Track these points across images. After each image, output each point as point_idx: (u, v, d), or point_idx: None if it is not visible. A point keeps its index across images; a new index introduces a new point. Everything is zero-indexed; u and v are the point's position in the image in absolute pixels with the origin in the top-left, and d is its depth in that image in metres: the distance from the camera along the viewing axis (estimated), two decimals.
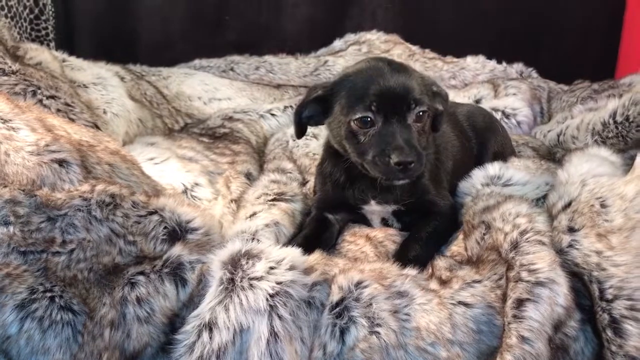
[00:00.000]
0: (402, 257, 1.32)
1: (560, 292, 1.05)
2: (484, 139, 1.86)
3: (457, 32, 3.39)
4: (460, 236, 1.42)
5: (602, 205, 1.18)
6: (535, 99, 2.87)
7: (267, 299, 1.01)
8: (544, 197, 1.44)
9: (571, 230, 1.18)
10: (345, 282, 1.10)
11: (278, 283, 1.03)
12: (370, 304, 1.06)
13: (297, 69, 3.18)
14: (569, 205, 1.25)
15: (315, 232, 1.49)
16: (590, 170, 1.34)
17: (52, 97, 1.80)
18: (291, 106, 2.67)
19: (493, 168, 1.57)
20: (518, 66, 3.27)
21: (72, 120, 1.75)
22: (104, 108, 2.19)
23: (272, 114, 2.66)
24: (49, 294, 1.03)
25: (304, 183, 1.90)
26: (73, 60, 2.46)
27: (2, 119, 1.25)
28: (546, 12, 3.33)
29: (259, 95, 3.07)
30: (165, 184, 1.67)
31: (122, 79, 2.63)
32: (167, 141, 2.19)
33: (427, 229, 1.42)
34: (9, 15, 2.70)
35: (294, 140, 2.28)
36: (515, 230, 1.21)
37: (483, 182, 1.54)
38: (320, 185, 1.60)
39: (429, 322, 1.05)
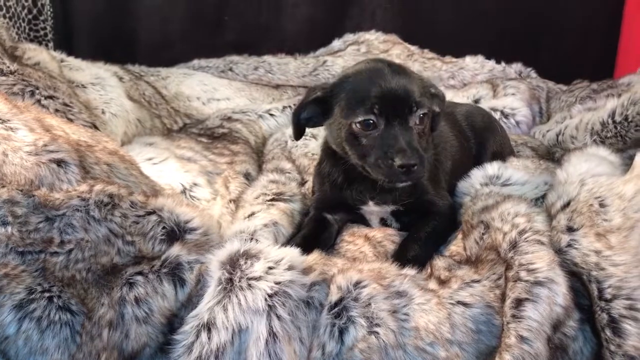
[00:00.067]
0: (401, 257, 1.32)
1: (559, 292, 1.05)
2: (483, 139, 1.86)
3: (456, 32, 3.39)
4: (459, 236, 1.42)
5: (601, 205, 1.18)
6: (534, 98, 2.87)
7: (265, 299, 1.01)
8: (543, 196, 1.44)
9: (570, 229, 1.18)
10: (344, 282, 1.09)
11: (277, 283, 1.03)
12: (369, 304, 1.06)
13: (296, 69, 3.18)
14: (567, 204, 1.25)
15: (314, 232, 1.49)
16: (589, 169, 1.34)
17: (51, 97, 1.80)
18: (290, 106, 2.67)
19: (492, 168, 1.57)
20: (517, 66, 3.27)
21: (71, 120, 1.75)
22: (103, 108, 2.19)
23: (271, 114, 2.65)
24: (47, 294, 1.03)
25: (302, 183, 1.90)
26: (71, 60, 2.46)
27: (0, 119, 1.25)
28: (546, 12, 3.33)
29: (258, 96, 3.06)
30: (164, 184, 1.66)
31: (120, 79, 2.63)
32: (166, 141, 2.19)
33: (426, 229, 1.42)
34: (7, 15, 2.70)
35: (293, 141, 2.27)
36: (514, 230, 1.21)
37: (482, 182, 1.54)
38: (319, 185, 1.60)
39: (428, 322, 1.05)
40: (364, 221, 1.56)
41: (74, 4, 3.19)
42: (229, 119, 2.55)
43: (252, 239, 1.40)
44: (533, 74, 3.26)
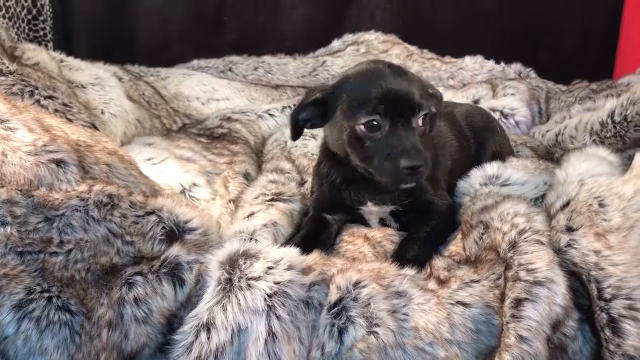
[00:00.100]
0: (401, 257, 1.32)
1: (559, 292, 1.05)
2: (482, 139, 1.86)
3: (456, 32, 3.39)
4: (459, 236, 1.42)
5: (601, 205, 1.18)
6: (533, 99, 2.87)
7: (265, 299, 1.01)
8: (542, 196, 1.44)
9: (569, 229, 1.18)
10: (343, 282, 1.09)
11: (276, 283, 1.03)
12: (369, 304, 1.06)
13: (295, 70, 3.18)
14: (567, 204, 1.24)
15: (313, 232, 1.49)
16: (588, 169, 1.34)
17: (50, 97, 1.80)
18: (289, 107, 2.67)
19: (491, 168, 1.57)
20: (516, 66, 3.27)
21: (70, 120, 1.74)
22: (102, 108, 2.19)
23: (271, 115, 2.65)
24: (46, 295, 1.02)
25: (302, 183, 1.90)
26: (71, 60, 2.46)
27: None
28: (545, 12, 3.33)
29: (257, 96, 3.06)
30: (163, 184, 1.66)
31: (120, 79, 2.63)
32: (165, 141, 2.19)
33: (425, 229, 1.42)
34: (6, 15, 2.70)
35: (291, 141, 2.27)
36: (514, 230, 1.21)
37: (481, 182, 1.54)
38: (317, 186, 1.60)
39: (427, 321, 1.05)
40: (363, 221, 1.55)
41: (73, 4, 3.19)
42: (229, 119, 2.55)
43: (251, 239, 1.40)
44: (532, 74, 3.26)
